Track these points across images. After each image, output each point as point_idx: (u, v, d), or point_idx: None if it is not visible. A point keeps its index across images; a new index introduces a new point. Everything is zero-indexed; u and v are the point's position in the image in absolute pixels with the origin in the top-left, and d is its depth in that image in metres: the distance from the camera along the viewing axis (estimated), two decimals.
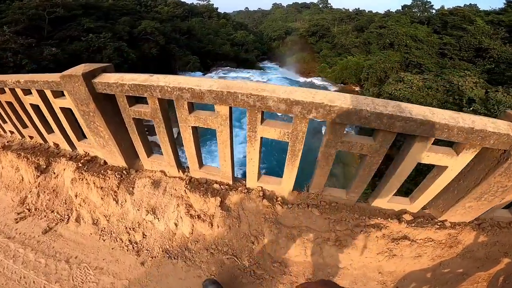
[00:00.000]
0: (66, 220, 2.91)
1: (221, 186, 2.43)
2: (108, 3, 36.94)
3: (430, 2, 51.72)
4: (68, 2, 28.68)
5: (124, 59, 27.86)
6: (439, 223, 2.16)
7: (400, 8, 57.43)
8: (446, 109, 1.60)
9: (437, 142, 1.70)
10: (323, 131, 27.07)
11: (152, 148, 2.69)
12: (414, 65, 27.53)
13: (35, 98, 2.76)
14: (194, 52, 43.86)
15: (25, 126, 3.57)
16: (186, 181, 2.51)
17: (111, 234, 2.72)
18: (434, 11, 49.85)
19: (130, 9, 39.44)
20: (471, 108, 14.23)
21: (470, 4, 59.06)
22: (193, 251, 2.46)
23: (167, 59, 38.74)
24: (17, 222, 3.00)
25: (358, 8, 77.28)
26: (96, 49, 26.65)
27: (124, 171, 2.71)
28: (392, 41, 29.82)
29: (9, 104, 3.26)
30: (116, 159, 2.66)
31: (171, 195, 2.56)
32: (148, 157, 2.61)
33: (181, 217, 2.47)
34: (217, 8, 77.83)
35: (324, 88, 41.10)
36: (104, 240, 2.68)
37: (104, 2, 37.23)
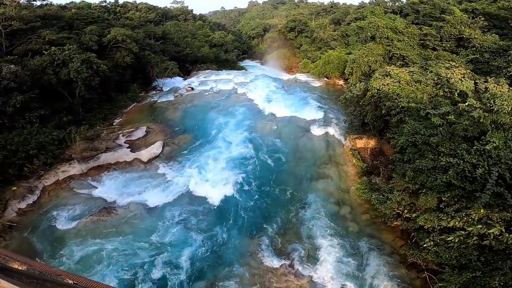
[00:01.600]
0: None
1: None
2: (71, 13, 33.97)
3: None
4: (24, 14, 25.94)
5: (94, 72, 25.55)
6: None
7: None
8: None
9: None
10: (311, 130, 26.38)
11: None
12: (397, 57, 27.29)
13: None
14: (171, 57, 41.68)
15: None
16: None
17: None
18: (405, 0, 50.42)
19: (97, 17, 36.64)
20: (466, 103, 13.81)
21: None
22: None
23: (143, 66, 36.48)
24: None
25: (333, 1, 77.82)
26: (61, 62, 24.24)
27: None
28: (373, 34, 29.47)
29: None
30: None
31: None
32: None
33: None
34: (192, 10, 75.54)
35: (308, 83, 40.47)
36: None
37: (67, 11, 34.27)
